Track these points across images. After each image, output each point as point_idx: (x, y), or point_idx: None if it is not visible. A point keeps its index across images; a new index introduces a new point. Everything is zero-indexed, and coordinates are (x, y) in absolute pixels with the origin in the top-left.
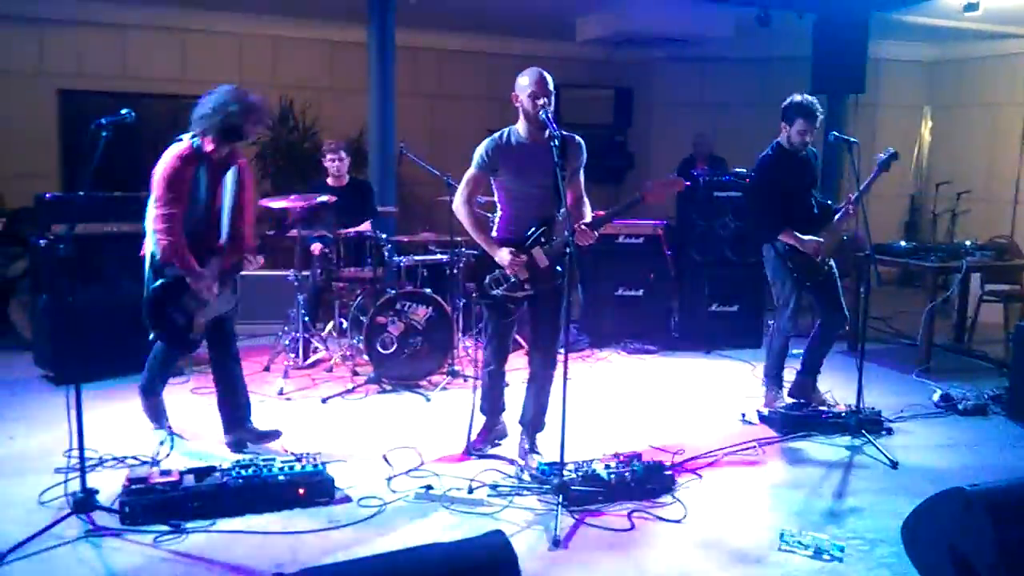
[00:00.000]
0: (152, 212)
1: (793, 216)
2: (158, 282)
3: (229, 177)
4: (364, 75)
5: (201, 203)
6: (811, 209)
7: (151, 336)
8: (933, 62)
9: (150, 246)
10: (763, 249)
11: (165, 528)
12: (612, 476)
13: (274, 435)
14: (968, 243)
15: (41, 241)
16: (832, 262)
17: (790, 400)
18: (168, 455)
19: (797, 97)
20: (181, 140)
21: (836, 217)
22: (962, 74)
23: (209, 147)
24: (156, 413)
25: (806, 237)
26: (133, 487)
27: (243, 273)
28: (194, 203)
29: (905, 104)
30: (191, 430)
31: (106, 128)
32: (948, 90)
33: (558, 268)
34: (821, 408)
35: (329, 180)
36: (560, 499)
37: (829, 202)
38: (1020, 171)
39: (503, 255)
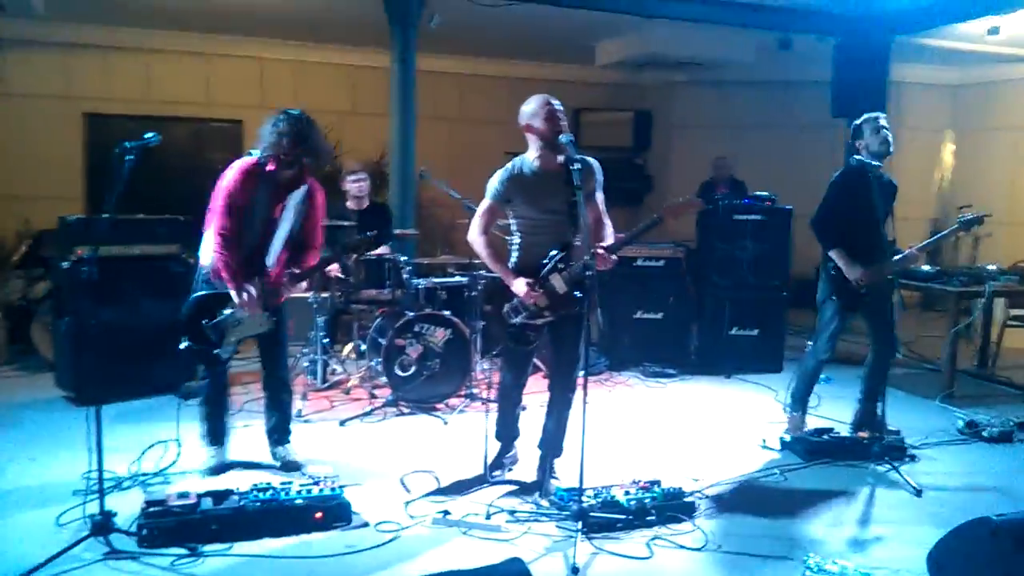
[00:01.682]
0: (210, 223)
1: (852, 240)
2: (199, 292)
3: (294, 199)
4: (385, 99)
5: (256, 222)
6: (872, 239)
7: (181, 345)
8: (955, 85)
9: (205, 257)
10: (821, 271)
11: (182, 551)
12: (631, 502)
13: (295, 468)
14: (992, 267)
15: (64, 263)
16: (893, 291)
17: (858, 430)
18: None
19: (856, 119)
20: (250, 154)
21: (895, 258)
22: (984, 97)
23: (271, 166)
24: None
25: (854, 265)
26: (151, 509)
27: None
28: (249, 221)
29: (927, 127)
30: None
31: (131, 152)
32: (970, 113)
33: (577, 294)
34: (873, 435)
35: (349, 203)
36: (579, 526)
37: (893, 240)
38: None
39: (519, 285)
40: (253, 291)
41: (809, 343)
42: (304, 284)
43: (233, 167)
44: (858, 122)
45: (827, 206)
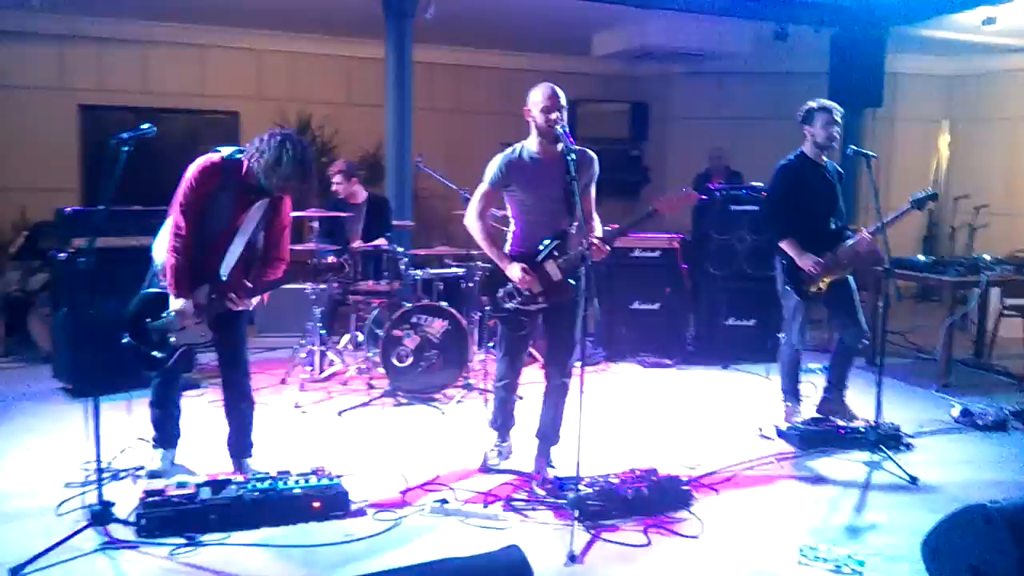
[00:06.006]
0: (169, 219)
1: (802, 229)
2: (150, 288)
3: (257, 207)
4: (381, 90)
5: (214, 226)
6: (823, 227)
7: (122, 340)
8: (951, 76)
9: (159, 253)
10: (774, 261)
11: (181, 541)
12: (628, 491)
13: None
14: (987, 257)
15: (61, 255)
16: (850, 277)
17: (818, 416)
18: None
19: (812, 102)
20: (218, 151)
21: (847, 243)
22: (980, 88)
23: (243, 169)
24: (165, 436)
25: (806, 254)
26: (149, 499)
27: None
28: (207, 223)
29: (923, 118)
30: (205, 443)
31: (127, 143)
32: (966, 104)
33: (571, 281)
34: (850, 424)
35: (343, 196)
36: (576, 514)
37: (845, 225)
38: None
39: (514, 270)
40: (189, 307)
41: (780, 335)
42: (249, 303)
43: (196, 162)
44: (812, 107)
45: (774, 197)
